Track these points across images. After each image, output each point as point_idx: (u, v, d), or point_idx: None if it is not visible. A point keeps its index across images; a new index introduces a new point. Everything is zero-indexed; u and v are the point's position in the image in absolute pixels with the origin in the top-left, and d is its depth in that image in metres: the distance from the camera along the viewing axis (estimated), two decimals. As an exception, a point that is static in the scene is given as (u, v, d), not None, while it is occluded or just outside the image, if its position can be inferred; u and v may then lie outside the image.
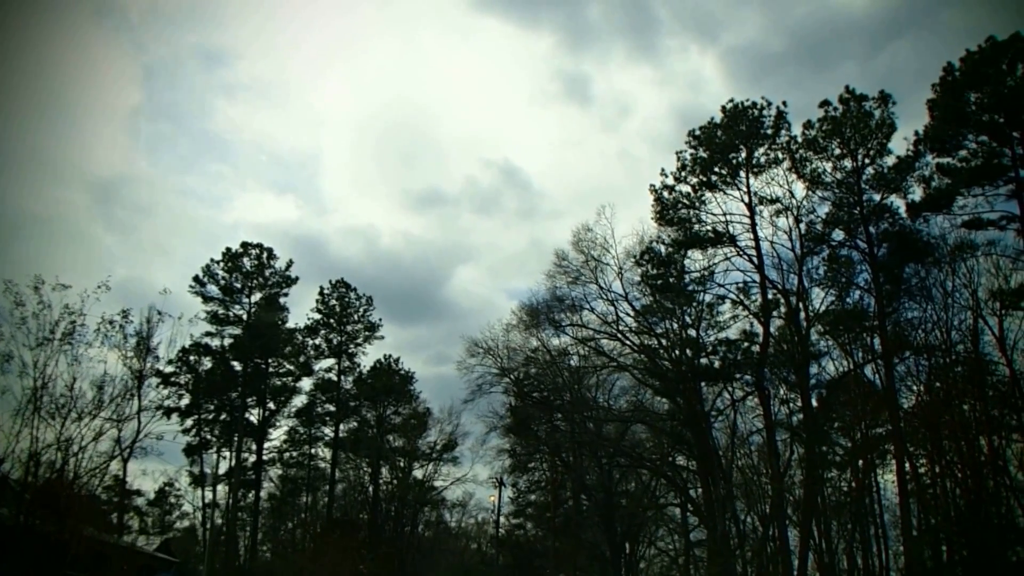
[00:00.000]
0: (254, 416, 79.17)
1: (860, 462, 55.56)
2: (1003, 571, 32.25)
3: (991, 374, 45.99)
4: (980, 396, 45.01)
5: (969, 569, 36.00)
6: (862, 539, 55.56)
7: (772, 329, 54.82)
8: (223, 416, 77.80)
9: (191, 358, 75.59)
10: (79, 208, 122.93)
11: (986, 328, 46.12)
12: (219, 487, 75.72)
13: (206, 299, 77.26)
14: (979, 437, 45.94)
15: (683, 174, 54.96)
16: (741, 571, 56.45)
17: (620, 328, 58.06)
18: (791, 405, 57.17)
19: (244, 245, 79.19)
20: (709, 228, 54.75)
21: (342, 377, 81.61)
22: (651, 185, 55.49)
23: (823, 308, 53.83)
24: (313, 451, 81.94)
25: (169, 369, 69.62)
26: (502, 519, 75.41)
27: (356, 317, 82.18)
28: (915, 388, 50.48)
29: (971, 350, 47.20)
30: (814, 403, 54.22)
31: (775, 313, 54.75)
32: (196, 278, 77.48)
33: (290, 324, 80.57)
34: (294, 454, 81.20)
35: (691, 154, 54.86)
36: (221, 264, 78.17)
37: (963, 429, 45.08)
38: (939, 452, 47.39)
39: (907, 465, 49.43)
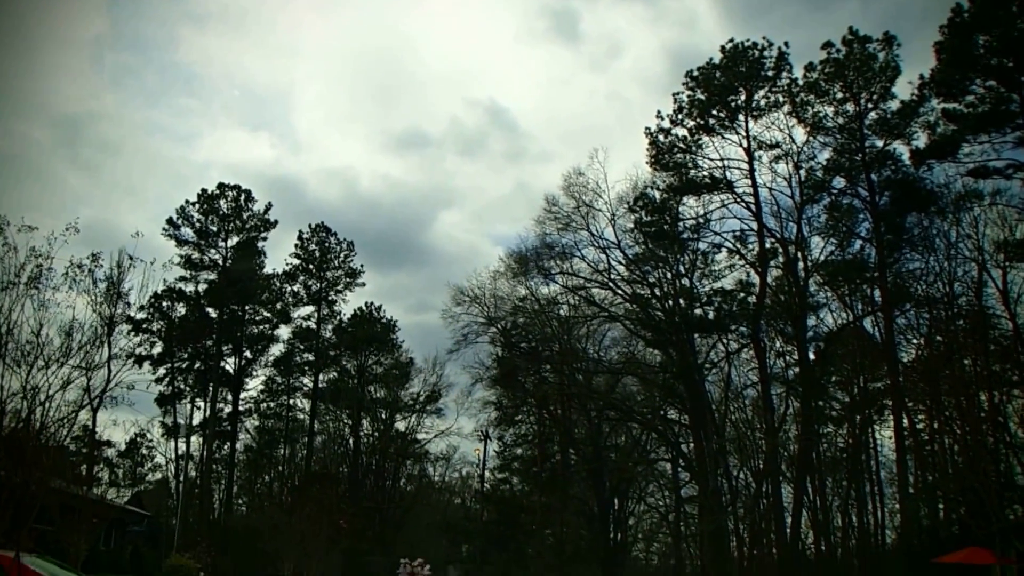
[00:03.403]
0: (230, 365, 77.56)
1: (857, 417, 55.42)
2: (1001, 529, 31.37)
3: (993, 328, 45.62)
4: (981, 350, 44.54)
5: (966, 527, 35.13)
6: (857, 496, 55.34)
7: (769, 279, 54.25)
8: (197, 365, 76.20)
9: (164, 304, 73.82)
10: (43, 145, 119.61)
11: (989, 280, 45.71)
12: (193, 438, 74.34)
13: (180, 242, 75.06)
14: (979, 392, 45.45)
15: (680, 117, 54.39)
16: (733, 528, 55.98)
17: (612, 277, 57.17)
18: (787, 358, 57.34)
19: (220, 186, 76.90)
20: (706, 173, 54.30)
21: (321, 325, 79.92)
22: (646, 128, 54.93)
23: (822, 258, 53.36)
24: (291, 402, 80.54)
25: (141, 316, 68.17)
26: (487, 473, 74.42)
27: (336, 263, 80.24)
28: (915, 341, 50.57)
29: (973, 303, 47.22)
30: (811, 356, 53.98)
31: (772, 263, 54.18)
32: (170, 220, 75.22)
33: (267, 270, 78.83)
34: (271, 405, 79.78)
35: (688, 96, 54.15)
36: (196, 206, 75.87)
37: (963, 384, 44.56)
38: (938, 407, 47.05)
39: (905, 421, 49.42)
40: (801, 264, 52.56)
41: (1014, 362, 43.53)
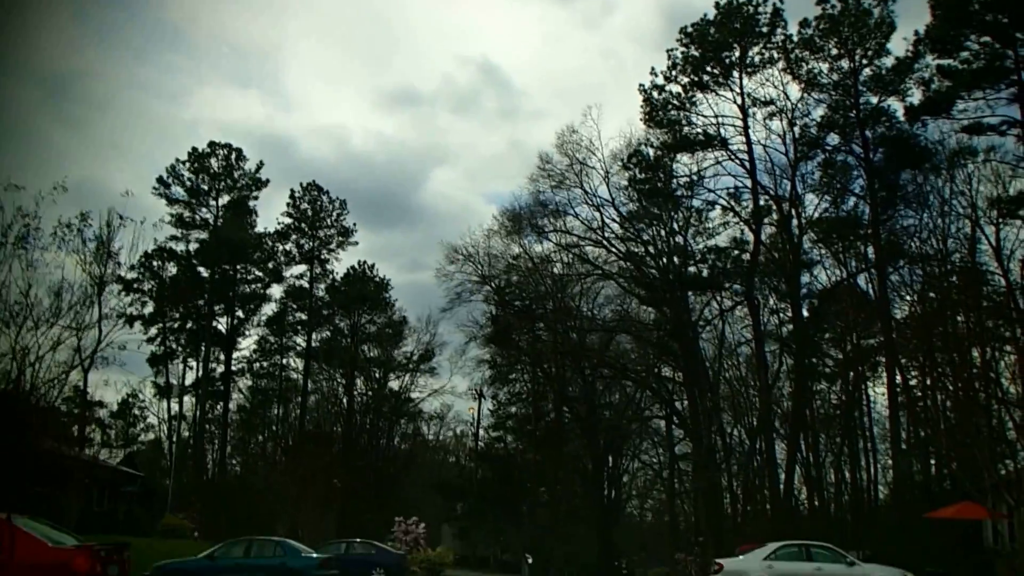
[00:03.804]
0: (222, 325, 77.64)
1: (850, 374, 55.47)
2: (993, 484, 31.45)
3: (986, 284, 45.44)
4: (974, 307, 44.52)
5: (958, 482, 35.27)
6: (850, 453, 55.60)
7: (763, 236, 54.10)
8: (189, 324, 76.23)
9: (155, 263, 73.68)
10: (27, 103, 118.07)
11: (983, 237, 45.55)
12: (185, 398, 74.52)
13: (171, 201, 74.78)
14: (972, 348, 45.49)
15: (674, 73, 53.68)
16: (727, 485, 56.22)
17: (605, 235, 56.97)
18: (781, 315, 57.31)
19: (211, 145, 76.53)
20: (700, 130, 53.89)
21: (314, 284, 79.85)
22: (640, 85, 54.27)
23: (816, 215, 53.26)
24: (284, 361, 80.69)
25: (131, 275, 67.80)
26: (481, 432, 74.61)
27: (329, 222, 79.90)
28: (908, 298, 50.28)
29: (967, 259, 47.10)
30: (805, 313, 53.94)
31: (766, 220, 54.03)
32: (160, 179, 74.87)
33: (259, 229, 78.58)
34: (264, 364, 79.89)
35: (682, 52, 53.42)
36: (187, 165, 75.45)
37: (956, 340, 44.60)
38: (931, 364, 47.04)
39: (898, 377, 49.42)
40: (795, 221, 52.36)
41: (1007, 318, 43.56)
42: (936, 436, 44.74)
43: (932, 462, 47.70)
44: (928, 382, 48.87)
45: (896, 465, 48.62)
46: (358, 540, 41.02)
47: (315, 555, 27.74)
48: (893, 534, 40.06)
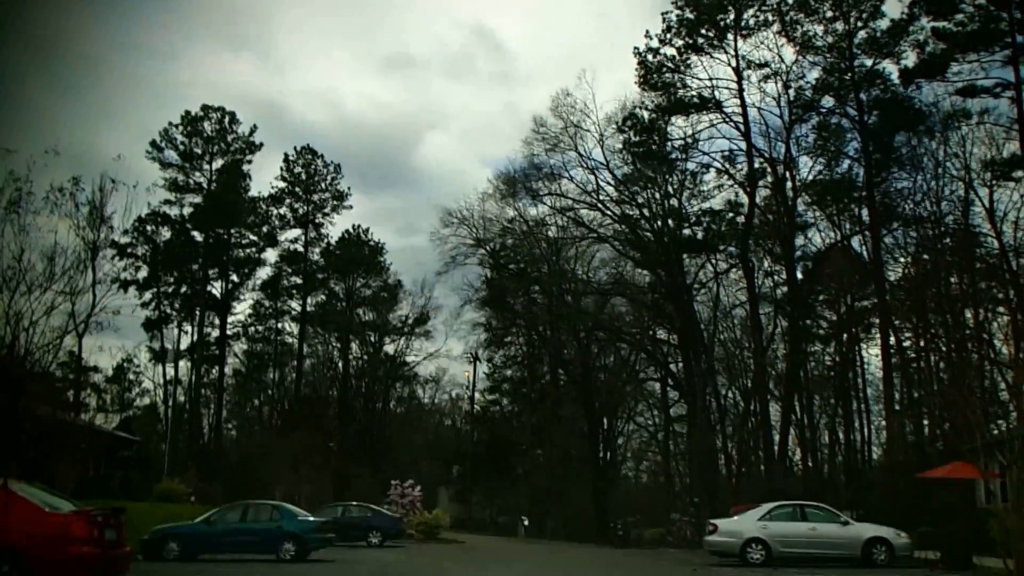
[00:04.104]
0: (216, 289, 77.49)
1: (844, 335, 55.61)
2: (985, 444, 31.59)
3: (979, 246, 45.64)
4: (968, 268, 44.68)
5: (951, 442, 35.48)
6: (844, 414, 55.78)
7: (758, 199, 54.01)
8: (183, 289, 75.99)
9: (148, 228, 73.35)
10: (17, 66, 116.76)
11: (976, 199, 45.69)
12: (181, 363, 74.32)
13: (164, 165, 74.32)
14: (965, 310, 45.65)
15: (668, 36, 53.40)
16: (721, 446, 56.47)
17: (600, 198, 57.15)
18: (775, 277, 57.24)
19: (204, 108, 76.05)
20: (694, 93, 53.78)
21: (309, 248, 79.73)
22: (635, 48, 53.98)
23: (811, 177, 53.16)
24: (279, 325, 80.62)
25: (125, 240, 67.45)
26: (477, 395, 74.85)
27: (323, 185, 79.68)
28: (902, 260, 50.44)
29: (960, 221, 47.17)
30: (799, 275, 54.12)
31: (761, 182, 53.91)
32: (153, 143, 74.44)
33: (253, 192, 78.18)
34: (259, 328, 79.82)
35: (677, 15, 53.17)
36: (180, 128, 75.04)
37: (949, 302, 44.78)
38: (924, 325, 47.26)
39: (892, 338, 49.46)
40: (789, 184, 52.46)
41: (999, 280, 43.73)
42: (929, 397, 45.02)
43: (925, 423, 47.89)
44: (922, 343, 49.16)
45: (889, 426, 48.88)
46: (354, 503, 41.21)
47: (312, 518, 27.83)
48: (886, 494, 40.30)
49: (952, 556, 23.88)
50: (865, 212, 51.54)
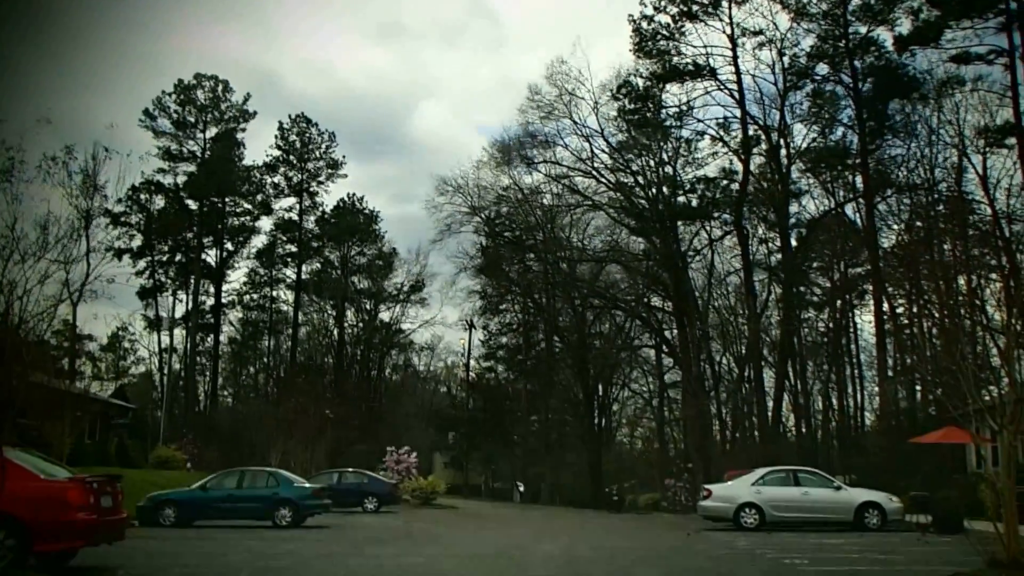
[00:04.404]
0: (211, 257, 77.54)
1: (838, 302, 55.76)
2: (977, 410, 31.80)
3: (972, 213, 45.45)
4: (961, 235, 44.65)
5: (943, 408, 35.71)
6: (838, 380, 56.11)
7: (752, 166, 53.99)
8: (178, 257, 76.06)
9: (142, 196, 73.15)
10: (7, 33, 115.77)
11: (969, 166, 45.77)
12: (176, 331, 74.39)
13: (157, 134, 74.15)
14: (958, 276, 45.64)
15: (663, 3, 53.31)
16: (715, 412, 56.78)
17: (595, 165, 56.96)
18: (770, 244, 57.22)
19: (197, 76, 75.78)
20: (689, 61, 53.66)
21: (304, 216, 79.74)
22: (629, 15, 53.94)
23: (805, 145, 53.06)
24: (275, 293, 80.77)
25: (119, 209, 67.35)
26: (472, 362, 75.08)
27: (318, 154, 79.57)
28: (896, 227, 50.32)
29: (954, 188, 47.10)
30: (793, 242, 53.99)
31: (755, 150, 53.84)
32: (146, 111, 74.20)
33: (247, 161, 78.05)
34: (254, 297, 79.93)
35: (672, -19, 52.51)
36: (173, 97, 74.75)
37: (942, 268, 44.74)
38: (917, 292, 47.23)
39: (885, 305, 49.67)
40: (784, 151, 52.33)
41: (992, 246, 43.72)
42: (921, 363, 45.21)
43: (917, 388, 47.97)
44: (914, 310, 49.16)
45: (882, 391, 49.08)
46: (350, 470, 41.42)
47: (307, 485, 27.98)
48: (879, 459, 40.57)
49: (943, 520, 24.05)
50: (859, 179, 51.64)
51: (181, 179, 74.87)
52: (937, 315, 45.25)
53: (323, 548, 18.98)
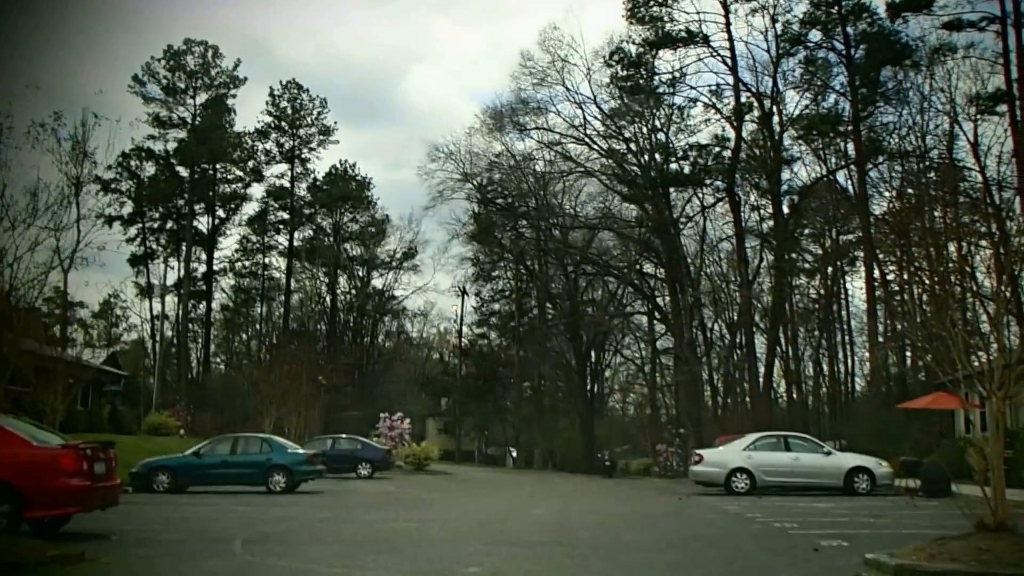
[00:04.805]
0: (202, 224, 77.36)
1: (829, 269, 55.95)
2: (966, 375, 32.04)
3: (964, 180, 45.60)
4: (951, 202, 44.60)
5: (932, 374, 35.96)
6: (828, 346, 56.44)
7: (744, 133, 54.13)
8: (169, 224, 75.89)
9: (132, 163, 72.92)
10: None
11: (961, 133, 46.01)
12: (168, 298, 74.19)
13: (147, 100, 73.69)
14: (948, 243, 45.68)
15: (657, -33, 52.65)
16: (707, 378, 57.03)
17: (587, 132, 56.97)
18: (762, 211, 57.53)
19: (187, 42, 75.21)
20: (682, 27, 53.72)
21: (295, 183, 79.31)
22: (622, -21, 52.92)
23: (797, 112, 53.14)
24: (267, 260, 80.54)
25: (109, 175, 67.19)
26: (465, 329, 75.06)
27: (309, 120, 78.99)
28: (887, 194, 50.45)
29: (945, 155, 47.43)
30: (785, 209, 54.12)
31: (748, 117, 53.92)
32: (135, 77, 73.64)
33: (238, 128, 77.59)
34: (247, 264, 79.75)
35: (665, -54, 52.36)
36: (162, 62, 74.22)
37: (933, 235, 44.69)
38: (908, 258, 47.21)
39: (875, 271, 49.84)
40: (776, 118, 52.48)
41: (983, 213, 43.74)
42: (912, 329, 45.42)
43: (908, 354, 48.29)
44: (905, 276, 49.13)
45: (873, 357, 49.35)
46: (344, 436, 41.63)
47: (301, 451, 28.02)
48: (869, 424, 40.85)
49: (932, 484, 24.23)
50: (851, 146, 51.83)
51: (171, 145, 74.52)
52: (927, 281, 45.35)
53: (317, 514, 19.08)
